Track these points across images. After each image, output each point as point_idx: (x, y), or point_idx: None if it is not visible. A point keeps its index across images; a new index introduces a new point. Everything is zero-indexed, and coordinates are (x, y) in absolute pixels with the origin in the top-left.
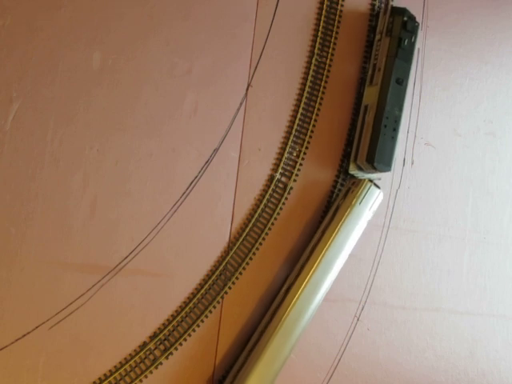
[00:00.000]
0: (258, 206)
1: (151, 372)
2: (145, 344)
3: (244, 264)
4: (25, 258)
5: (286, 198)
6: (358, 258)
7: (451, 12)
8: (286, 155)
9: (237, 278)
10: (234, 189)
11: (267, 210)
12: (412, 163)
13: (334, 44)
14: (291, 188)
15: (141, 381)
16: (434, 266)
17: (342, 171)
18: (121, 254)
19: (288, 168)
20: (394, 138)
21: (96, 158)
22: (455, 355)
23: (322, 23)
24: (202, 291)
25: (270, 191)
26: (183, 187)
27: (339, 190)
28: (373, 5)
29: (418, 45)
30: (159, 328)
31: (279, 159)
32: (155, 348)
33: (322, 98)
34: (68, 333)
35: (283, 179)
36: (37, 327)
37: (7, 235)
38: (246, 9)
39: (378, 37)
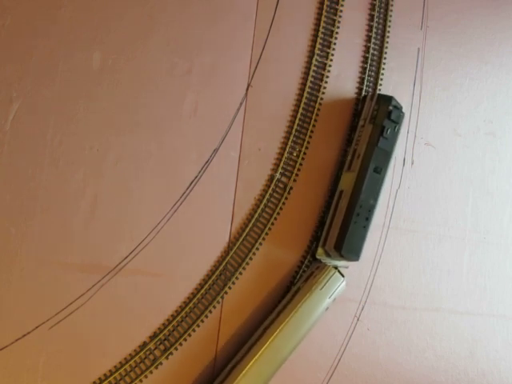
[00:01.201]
0: (258, 206)
1: (151, 372)
2: (145, 344)
3: (244, 264)
4: (25, 258)
5: (286, 198)
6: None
7: (451, 12)
8: (285, 155)
9: (237, 278)
10: (234, 189)
11: (267, 209)
12: (412, 163)
13: (334, 44)
14: (291, 188)
15: (141, 381)
16: (434, 266)
17: (310, 253)
18: (121, 254)
19: (288, 168)
20: (365, 228)
21: (96, 158)
22: (455, 355)
23: (322, 23)
24: (202, 291)
25: (269, 191)
26: (183, 187)
27: (304, 271)
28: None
29: (417, 45)
30: (159, 328)
31: (279, 159)
32: (155, 348)
33: (322, 99)
34: (68, 333)
35: (283, 179)
36: (37, 327)
37: (7, 235)
38: (246, 9)
39: (361, 122)
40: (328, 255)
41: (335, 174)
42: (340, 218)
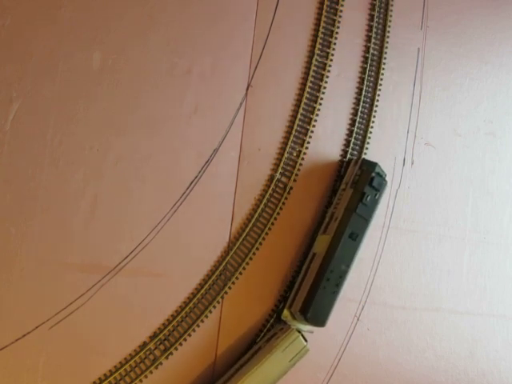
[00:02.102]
0: (258, 206)
1: (151, 372)
2: (145, 344)
3: (244, 264)
4: (25, 258)
5: (286, 198)
6: (358, 257)
7: (451, 12)
8: (285, 155)
9: (237, 278)
10: (234, 189)
11: (267, 209)
12: (412, 163)
13: (334, 44)
14: (291, 188)
15: (141, 381)
16: (434, 266)
17: (276, 313)
18: (121, 254)
19: (288, 168)
20: (334, 293)
21: (96, 158)
22: (455, 355)
23: (322, 23)
24: (202, 291)
25: (269, 191)
26: (183, 187)
27: (268, 330)
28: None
29: (417, 45)
30: (159, 328)
31: (279, 159)
32: (155, 348)
33: (322, 99)
34: (68, 333)
35: (283, 179)
36: (37, 327)
37: (7, 235)
38: (246, 9)
39: (343, 186)
40: (293, 318)
41: (311, 234)
42: (309, 282)
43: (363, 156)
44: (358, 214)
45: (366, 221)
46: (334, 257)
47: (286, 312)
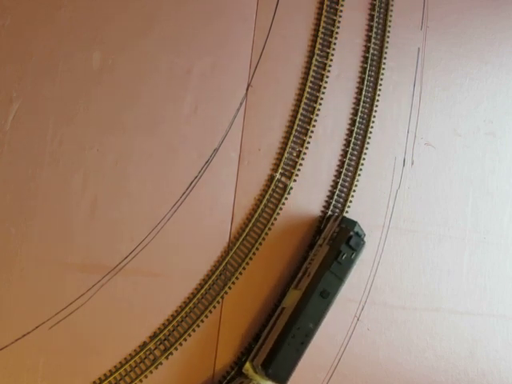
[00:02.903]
0: (258, 206)
1: (151, 372)
2: (145, 344)
3: (244, 264)
4: (25, 258)
5: (286, 198)
6: (358, 258)
7: (451, 12)
8: (285, 155)
9: (237, 278)
10: (234, 189)
11: (267, 209)
12: (412, 163)
13: (334, 44)
14: (291, 188)
15: (141, 381)
16: (434, 266)
17: (239, 365)
18: (121, 254)
19: (288, 168)
20: (299, 351)
21: (96, 158)
22: (455, 355)
23: (322, 23)
24: (202, 291)
25: (269, 191)
26: (183, 187)
27: (228, 383)
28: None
29: (417, 45)
30: (159, 328)
31: (279, 159)
32: (155, 348)
33: (322, 99)
34: (68, 333)
35: (283, 179)
36: (37, 327)
37: (7, 235)
38: (246, 9)
39: (320, 241)
40: (255, 371)
41: (283, 288)
42: (274, 336)
43: (361, 160)
44: (332, 272)
45: (339, 280)
46: (302, 314)
47: (247, 365)
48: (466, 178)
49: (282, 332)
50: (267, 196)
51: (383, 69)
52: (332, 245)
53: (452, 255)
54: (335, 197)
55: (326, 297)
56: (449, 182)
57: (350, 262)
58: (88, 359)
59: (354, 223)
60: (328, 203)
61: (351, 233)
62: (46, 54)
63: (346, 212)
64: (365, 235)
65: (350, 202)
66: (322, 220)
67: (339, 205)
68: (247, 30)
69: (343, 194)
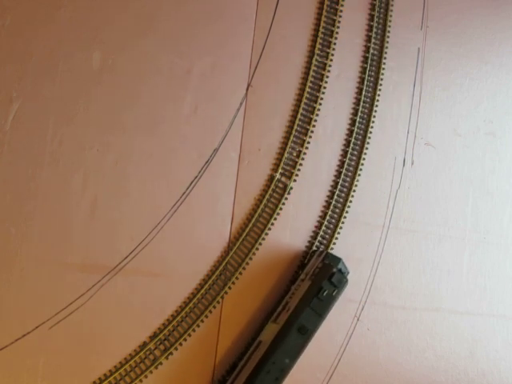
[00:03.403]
0: (258, 206)
1: (151, 372)
2: (145, 344)
3: (244, 264)
4: (25, 258)
5: (286, 198)
6: (358, 258)
7: (451, 12)
8: (285, 155)
9: (237, 278)
10: (234, 189)
11: (267, 209)
12: (412, 163)
13: (334, 44)
14: (291, 188)
15: (141, 381)
16: (434, 266)
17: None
18: (121, 254)
19: (288, 168)
20: None
21: (96, 158)
22: (455, 355)
23: (322, 23)
24: (202, 291)
25: (269, 191)
26: (183, 187)
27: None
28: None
29: (417, 45)
30: (159, 328)
31: (279, 159)
32: (155, 348)
33: (322, 99)
34: (68, 333)
35: (283, 179)
36: (37, 327)
37: (7, 235)
38: (246, 9)
39: (302, 276)
40: None
41: (261, 322)
42: (249, 370)
43: (361, 160)
44: (312, 308)
45: (319, 316)
46: (278, 349)
47: None
48: (466, 178)
49: (256, 367)
50: (267, 196)
51: (383, 69)
52: (313, 280)
53: (452, 255)
54: (335, 197)
55: (305, 333)
56: (449, 182)
57: (331, 299)
58: (88, 359)
59: (338, 260)
60: (328, 203)
61: (334, 269)
62: (46, 54)
63: (346, 212)
64: (348, 273)
65: (350, 201)
66: (306, 255)
67: (339, 205)
68: (247, 30)
69: (343, 194)
